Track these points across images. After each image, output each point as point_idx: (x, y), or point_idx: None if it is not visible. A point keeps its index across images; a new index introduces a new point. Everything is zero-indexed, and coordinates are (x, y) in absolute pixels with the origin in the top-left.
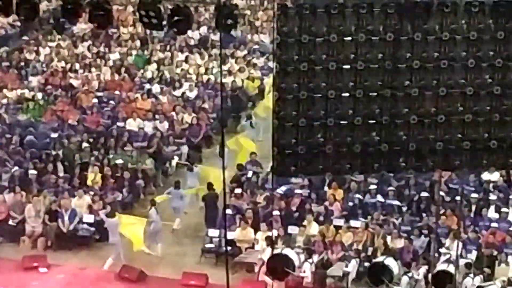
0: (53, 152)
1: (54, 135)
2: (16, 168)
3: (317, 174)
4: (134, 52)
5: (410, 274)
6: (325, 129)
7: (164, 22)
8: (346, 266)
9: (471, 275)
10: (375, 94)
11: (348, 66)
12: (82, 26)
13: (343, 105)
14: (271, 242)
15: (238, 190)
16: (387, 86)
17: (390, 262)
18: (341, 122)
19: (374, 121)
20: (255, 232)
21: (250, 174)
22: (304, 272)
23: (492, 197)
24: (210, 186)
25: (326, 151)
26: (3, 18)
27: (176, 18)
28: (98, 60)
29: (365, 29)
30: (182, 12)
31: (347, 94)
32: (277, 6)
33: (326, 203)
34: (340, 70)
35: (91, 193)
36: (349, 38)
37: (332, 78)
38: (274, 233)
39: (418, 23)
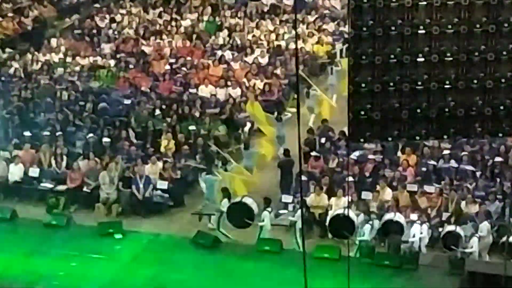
0: (126, 119)
1: (127, 102)
2: (90, 135)
3: (392, 139)
4: (205, 18)
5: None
6: (400, 94)
7: None
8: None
9: None
10: (451, 58)
11: (423, 31)
12: None
13: (418, 70)
14: None
15: (314, 153)
16: (463, 50)
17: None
18: (417, 87)
19: (449, 86)
20: (329, 198)
21: (323, 140)
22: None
23: None
24: (286, 152)
25: (401, 116)
26: None
27: None
28: (170, 27)
29: None
30: None
31: (422, 59)
32: None
33: (400, 168)
34: (415, 35)
35: (165, 159)
36: (424, 2)
37: (407, 43)
38: (348, 198)
39: None
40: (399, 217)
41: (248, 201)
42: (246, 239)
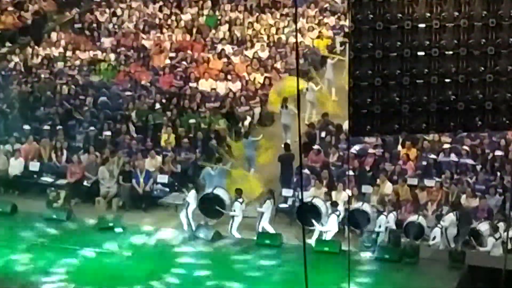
0: (126, 113)
1: (127, 95)
2: (91, 128)
3: (393, 133)
4: (205, 12)
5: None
6: (401, 88)
7: None
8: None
9: None
10: (451, 52)
11: (423, 25)
12: None
13: (418, 64)
14: None
15: (316, 147)
16: (462, 44)
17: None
18: (417, 81)
19: (450, 80)
20: (329, 192)
21: (323, 134)
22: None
23: None
24: (286, 146)
25: (401, 110)
26: None
27: None
28: (170, 21)
29: None
30: None
31: (422, 53)
32: None
33: (400, 162)
34: (415, 29)
35: (165, 153)
36: None
37: (407, 37)
38: (348, 192)
39: None
40: (365, 207)
41: (220, 192)
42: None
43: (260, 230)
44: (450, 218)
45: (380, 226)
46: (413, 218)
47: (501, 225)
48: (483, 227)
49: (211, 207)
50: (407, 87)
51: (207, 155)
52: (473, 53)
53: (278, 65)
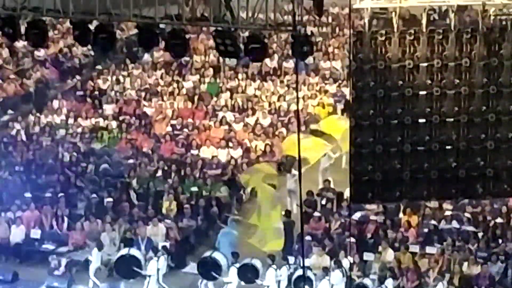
0: (128, 180)
1: (128, 163)
2: (93, 195)
3: (394, 200)
4: (207, 80)
5: None
6: (402, 155)
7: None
8: None
9: None
10: (452, 119)
11: (424, 92)
12: (156, 55)
13: (419, 131)
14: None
15: (316, 214)
16: (464, 111)
17: None
18: (418, 148)
19: (451, 147)
20: (331, 259)
21: (324, 201)
22: None
23: None
24: (287, 213)
25: (403, 177)
26: (77, 48)
27: (252, 46)
28: (171, 88)
29: (441, 54)
30: (258, 40)
31: (423, 120)
32: (352, 32)
33: (401, 229)
34: (416, 96)
35: (166, 221)
36: (425, 64)
37: (408, 104)
38: (350, 260)
39: (494, 48)
40: (254, 262)
41: (136, 252)
42: None
43: None
44: (338, 276)
45: None
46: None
47: None
48: None
49: (127, 267)
50: (408, 154)
51: (208, 223)
52: (474, 120)
53: (280, 132)
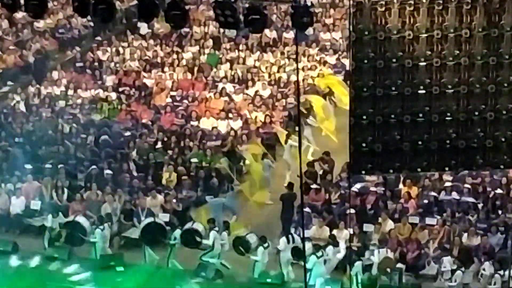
0: (127, 152)
1: (128, 134)
2: (93, 167)
3: (394, 171)
4: (206, 51)
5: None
6: (401, 126)
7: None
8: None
9: None
10: (451, 90)
11: (423, 63)
12: (156, 26)
13: (419, 102)
14: None
15: (315, 186)
16: (463, 82)
17: None
18: (418, 119)
19: (450, 118)
20: (331, 230)
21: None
22: None
23: None
24: (290, 185)
25: (402, 148)
26: (76, 19)
27: (251, 17)
28: (171, 59)
29: (441, 25)
30: (258, 11)
31: (423, 91)
32: (352, 3)
33: (401, 200)
34: (416, 67)
35: (166, 192)
36: (425, 35)
37: (408, 75)
38: (350, 231)
39: (494, 19)
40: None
41: (81, 219)
42: (248, 271)
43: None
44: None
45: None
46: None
47: None
48: None
49: (71, 234)
50: (408, 125)
51: (208, 194)
52: (473, 91)
53: (280, 103)
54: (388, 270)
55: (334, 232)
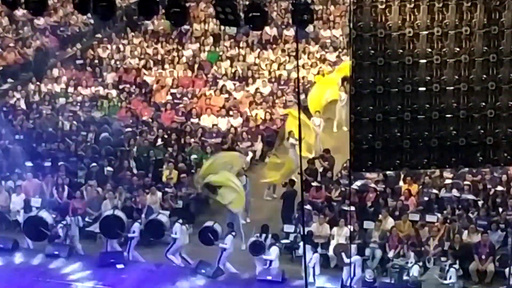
0: (128, 149)
1: (128, 132)
2: (94, 164)
3: (394, 169)
4: (207, 48)
5: None
6: (402, 123)
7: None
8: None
9: None
10: (452, 88)
11: (424, 61)
12: (156, 23)
13: (419, 99)
14: None
15: (315, 183)
16: (464, 80)
17: None
18: (418, 116)
19: (451, 115)
20: (331, 228)
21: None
22: None
23: None
24: (291, 182)
25: (403, 145)
26: (76, 17)
27: (252, 14)
28: (171, 57)
29: (441, 22)
30: (258, 8)
31: (423, 88)
32: (352, 0)
33: (402, 197)
34: (416, 64)
35: (166, 189)
36: (425, 32)
37: (408, 72)
38: (350, 228)
39: (494, 16)
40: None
41: (44, 214)
42: (248, 269)
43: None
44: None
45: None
46: None
47: None
48: None
49: (34, 228)
50: (408, 123)
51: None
52: (474, 89)
53: (280, 100)
54: (343, 254)
55: (335, 229)
